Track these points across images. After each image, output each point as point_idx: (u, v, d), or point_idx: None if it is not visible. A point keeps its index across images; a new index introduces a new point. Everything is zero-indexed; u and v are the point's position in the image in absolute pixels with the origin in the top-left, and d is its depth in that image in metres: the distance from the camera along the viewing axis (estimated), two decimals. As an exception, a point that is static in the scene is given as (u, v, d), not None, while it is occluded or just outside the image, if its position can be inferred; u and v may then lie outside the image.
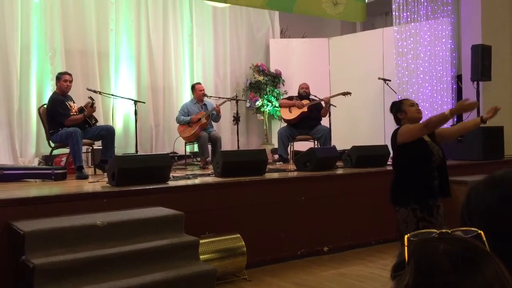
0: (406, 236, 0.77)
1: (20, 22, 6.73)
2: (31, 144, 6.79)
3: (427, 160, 3.29)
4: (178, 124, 6.95)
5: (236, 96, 7.51)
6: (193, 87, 7.19)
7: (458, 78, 7.69)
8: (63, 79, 5.72)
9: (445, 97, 7.53)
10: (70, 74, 5.84)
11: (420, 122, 3.39)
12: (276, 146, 7.66)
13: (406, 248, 0.75)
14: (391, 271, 0.76)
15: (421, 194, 3.28)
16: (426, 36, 7.63)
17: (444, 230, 0.77)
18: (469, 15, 7.42)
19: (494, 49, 7.03)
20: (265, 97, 8.64)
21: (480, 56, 6.79)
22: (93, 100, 5.70)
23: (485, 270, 0.71)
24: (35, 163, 6.61)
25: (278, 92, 8.72)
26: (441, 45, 7.57)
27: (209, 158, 6.62)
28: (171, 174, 4.85)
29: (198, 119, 6.72)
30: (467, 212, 1.00)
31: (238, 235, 4.18)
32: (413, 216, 3.27)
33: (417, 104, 3.48)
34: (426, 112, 7.61)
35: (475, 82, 6.93)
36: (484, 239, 0.78)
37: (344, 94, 6.96)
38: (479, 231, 0.78)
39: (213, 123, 7.10)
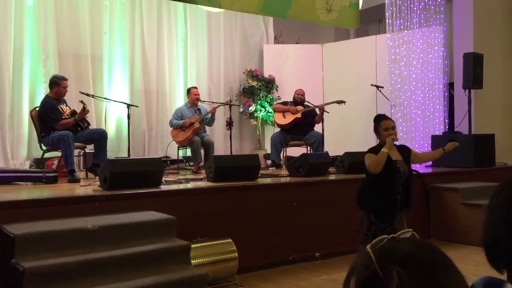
0: (368, 247, 0.80)
1: (13, 24, 6.71)
2: (22, 147, 6.76)
3: (391, 177, 3.65)
4: (171, 128, 6.94)
5: (230, 101, 7.51)
6: (188, 91, 7.20)
7: (450, 85, 7.75)
8: (62, 85, 5.70)
9: (437, 104, 7.58)
10: (66, 80, 5.83)
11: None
12: (269, 151, 7.66)
13: (373, 257, 0.77)
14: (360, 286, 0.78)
15: (380, 207, 3.65)
16: (419, 44, 7.69)
17: (392, 235, 0.83)
18: (462, 24, 7.48)
19: (486, 57, 7.10)
20: (259, 102, 8.65)
21: (472, 64, 6.84)
22: (85, 104, 5.69)
23: (447, 256, 0.80)
24: (26, 166, 6.57)
25: (271, 97, 8.74)
26: (434, 53, 7.63)
27: (202, 163, 6.62)
28: (163, 179, 4.84)
29: (191, 123, 6.71)
30: (496, 201, 1.02)
31: (230, 240, 4.18)
32: (367, 218, 3.68)
33: (392, 128, 3.76)
34: (418, 119, 7.67)
35: (467, 90, 6.99)
36: (418, 236, 0.87)
37: (339, 102, 6.99)
38: (413, 232, 0.88)
39: (206, 127, 7.09)
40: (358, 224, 3.75)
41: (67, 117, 5.68)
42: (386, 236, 0.83)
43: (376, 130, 3.79)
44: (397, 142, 3.84)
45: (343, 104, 7.00)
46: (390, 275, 0.73)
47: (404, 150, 3.83)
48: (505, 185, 1.02)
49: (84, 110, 5.65)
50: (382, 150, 3.60)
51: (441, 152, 4.04)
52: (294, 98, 7.33)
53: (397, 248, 0.79)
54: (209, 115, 6.87)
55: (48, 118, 5.54)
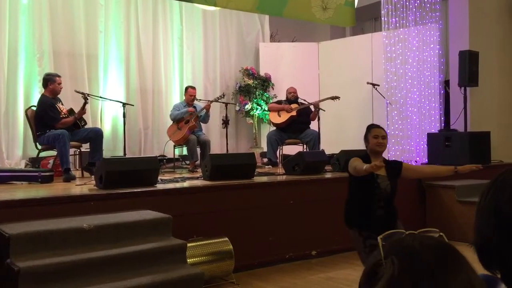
0: (379, 238, 0.81)
1: (8, 23, 6.67)
2: (18, 146, 6.73)
3: (370, 191, 3.44)
4: (167, 127, 6.93)
5: (224, 95, 7.46)
6: (186, 89, 7.20)
7: (446, 83, 7.76)
8: (57, 82, 5.69)
9: (432, 102, 7.59)
10: (60, 76, 5.81)
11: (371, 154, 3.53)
12: (265, 149, 7.67)
13: (381, 248, 0.78)
14: (364, 277, 0.79)
15: (363, 222, 3.44)
16: (415, 42, 7.69)
17: (411, 231, 0.83)
18: (457, 21, 7.49)
19: (481, 55, 7.11)
20: (255, 100, 8.65)
21: (467, 62, 6.85)
22: (87, 99, 5.68)
23: (462, 259, 0.78)
24: (21, 166, 6.54)
25: (267, 95, 8.73)
26: (429, 51, 7.63)
27: (198, 162, 6.61)
28: (159, 177, 4.83)
29: (187, 121, 6.71)
30: (484, 203, 1.02)
31: (226, 239, 4.18)
32: (359, 235, 3.42)
33: (383, 136, 3.54)
34: (414, 117, 7.68)
35: (463, 88, 7.00)
36: (446, 239, 0.84)
37: (333, 98, 7.00)
38: (441, 233, 0.86)
39: (202, 126, 7.08)
40: (354, 245, 3.51)
41: (64, 115, 5.66)
42: (404, 231, 0.83)
43: (366, 137, 3.57)
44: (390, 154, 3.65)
45: (337, 99, 7.00)
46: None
47: (393, 167, 3.54)
48: (491, 186, 1.02)
49: (85, 107, 5.64)
50: (364, 167, 3.24)
51: (452, 170, 3.59)
52: (287, 96, 7.33)
53: (404, 242, 0.79)
54: (204, 111, 6.87)
55: (48, 117, 5.52)
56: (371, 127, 3.62)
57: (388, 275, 0.74)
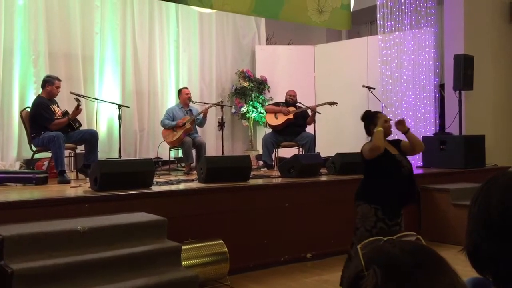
0: (358, 247, 0.81)
1: (4, 24, 6.65)
2: (12, 147, 6.70)
3: (397, 171, 3.51)
4: (162, 129, 6.92)
5: (222, 102, 7.50)
6: (179, 91, 7.19)
7: (441, 87, 7.79)
8: (56, 85, 5.67)
9: (428, 105, 7.62)
10: (60, 80, 5.79)
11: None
12: (260, 152, 7.66)
13: (361, 257, 0.78)
14: (348, 285, 0.79)
15: (387, 199, 3.46)
16: (410, 45, 7.72)
17: (389, 237, 0.83)
18: (452, 25, 7.53)
19: (476, 59, 7.14)
20: (250, 103, 8.65)
21: (462, 66, 6.88)
22: (79, 101, 5.67)
23: (443, 262, 0.79)
24: (16, 167, 6.52)
25: (263, 98, 8.74)
26: (425, 54, 7.66)
27: (194, 164, 6.60)
28: (154, 180, 4.82)
29: (183, 124, 6.70)
30: (474, 208, 1.02)
31: (221, 241, 4.17)
32: (374, 214, 3.46)
33: (389, 119, 3.69)
34: (409, 120, 7.70)
35: (458, 91, 7.03)
36: (423, 242, 0.85)
37: (331, 104, 7.01)
38: (418, 236, 0.86)
39: (197, 128, 7.07)
40: (358, 220, 3.52)
41: (59, 117, 5.64)
42: (382, 238, 0.83)
43: (374, 123, 3.55)
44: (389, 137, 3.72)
45: (335, 105, 7.02)
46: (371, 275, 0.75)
47: (397, 144, 3.69)
48: (481, 191, 1.02)
49: (78, 109, 5.63)
50: (375, 129, 3.45)
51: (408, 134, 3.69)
52: (286, 99, 7.33)
53: (384, 250, 0.79)
54: (201, 115, 6.86)
55: (42, 118, 5.50)
56: (376, 113, 3.67)
57: (371, 287, 0.74)
